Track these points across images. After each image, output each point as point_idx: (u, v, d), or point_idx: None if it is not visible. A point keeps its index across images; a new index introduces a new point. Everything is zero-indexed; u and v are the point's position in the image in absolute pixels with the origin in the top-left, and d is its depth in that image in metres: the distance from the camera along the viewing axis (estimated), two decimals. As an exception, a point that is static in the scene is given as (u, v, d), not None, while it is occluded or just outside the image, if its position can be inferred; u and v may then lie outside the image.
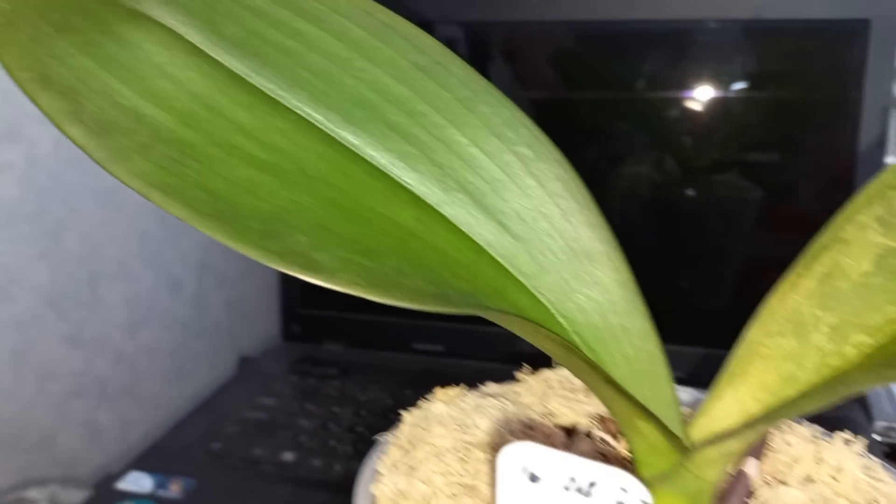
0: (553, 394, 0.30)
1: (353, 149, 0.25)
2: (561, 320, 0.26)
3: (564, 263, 0.26)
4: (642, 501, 0.15)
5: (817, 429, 0.29)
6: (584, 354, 0.23)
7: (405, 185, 0.25)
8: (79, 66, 0.22)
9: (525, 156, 0.26)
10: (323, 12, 0.25)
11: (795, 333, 0.25)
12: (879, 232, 0.24)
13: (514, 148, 0.26)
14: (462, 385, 0.31)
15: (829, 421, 0.63)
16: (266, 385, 0.67)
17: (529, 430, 0.27)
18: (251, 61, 0.24)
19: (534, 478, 0.17)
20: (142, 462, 0.55)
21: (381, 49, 0.25)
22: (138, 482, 0.53)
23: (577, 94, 0.68)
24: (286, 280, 0.76)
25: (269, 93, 0.24)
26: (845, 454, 0.26)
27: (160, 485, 0.52)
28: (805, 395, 0.24)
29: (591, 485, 0.16)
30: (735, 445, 0.23)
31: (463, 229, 0.25)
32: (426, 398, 0.30)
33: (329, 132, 0.24)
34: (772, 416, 0.24)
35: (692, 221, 0.67)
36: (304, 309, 0.75)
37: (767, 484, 0.26)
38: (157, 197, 0.21)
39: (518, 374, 0.32)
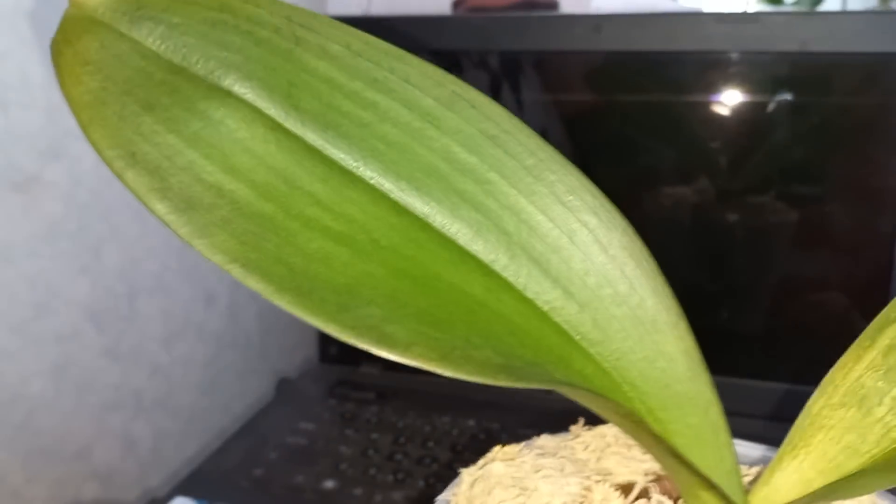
0: (609, 451, 0.30)
1: (424, 217, 0.25)
2: (626, 388, 0.26)
3: (629, 331, 0.26)
4: None
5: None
6: (650, 426, 0.23)
7: (474, 253, 0.25)
8: (164, 143, 0.22)
9: (590, 223, 0.26)
10: (395, 82, 0.26)
11: (858, 405, 0.25)
12: None
13: (580, 216, 0.26)
14: (516, 444, 0.31)
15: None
16: (305, 409, 0.68)
17: (587, 493, 0.28)
18: (326, 133, 0.25)
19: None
20: (186, 487, 0.56)
21: (451, 118, 0.26)
22: (183, 508, 0.54)
23: (617, 122, 0.68)
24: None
25: (342, 163, 0.25)
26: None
27: (205, 511, 0.53)
28: (867, 470, 0.24)
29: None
30: (797, 518, 0.24)
31: (529, 296, 0.26)
32: (484, 457, 0.31)
33: (400, 201, 0.25)
34: (833, 489, 0.24)
35: (730, 245, 0.67)
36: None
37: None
38: (238, 272, 0.21)
39: (573, 428, 0.33)
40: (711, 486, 0.24)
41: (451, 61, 0.68)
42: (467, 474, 0.29)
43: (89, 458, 0.57)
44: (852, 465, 0.25)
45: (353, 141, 0.25)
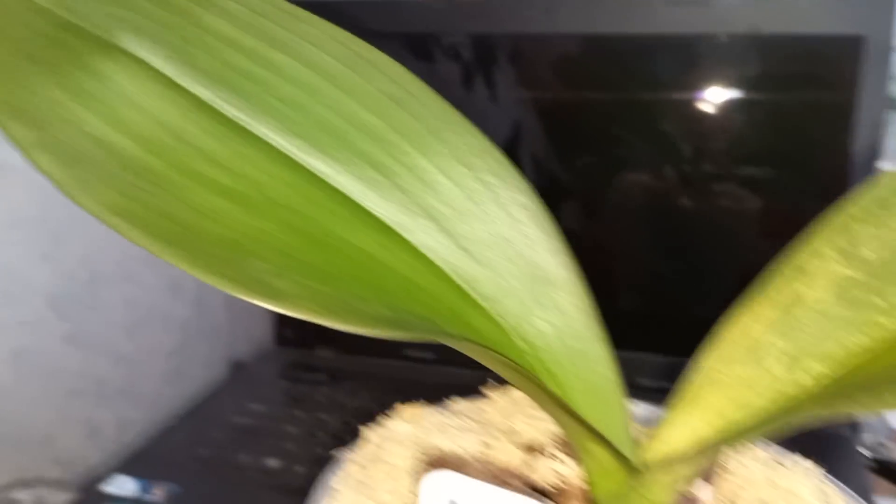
0: (518, 412, 0.31)
1: (320, 175, 0.25)
2: (520, 344, 0.26)
3: (526, 289, 0.26)
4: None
5: (778, 451, 0.29)
6: (538, 378, 0.24)
7: (370, 211, 0.26)
8: (49, 97, 0.22)
9: (491, 183, 0.26)
10: (296, 42, 0.26)
11: (752, 361, 0.25)
12: (841, 263, 0.25)
13: (480, 175, 0.26)
14: (422, 401, 0.31)
15: (816, 437, 0.63)
16: (256, 390, 0.68)
17: (488, 450, 0.28)
18: (221, 90, 0.25)
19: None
20: (128, 466, 0.56)
21: (353, 79, 0.26)
22: (123, 486, 0.53)
23: (579, 103, 0.69)
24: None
25: (238, 121, 0.25)
26: (799, 479, 0.27)
27: (145, 489, 0.53)
28: (757, 423, 0.24)
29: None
30: (685, 470, 0.24)
31: (426, 254, 0.26)
32: (388, 414, 0.31)
33: (297, 159, 0.25)
34: (723, 441, 0.24)
35: (690, 229, 0.68)
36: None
37: (723, 506, 0.27)
38: (121, 226, 0.21)
39: (484, 390, 0.33)
40: (601, 439, 0.24)
41: (401, 43, 0.68)
42: (368, 432, 0.29)
43: (52, 444, 0.56)
44: (743, 418, 0.25)
45: (250, 98, 0.25)
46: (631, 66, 0.66)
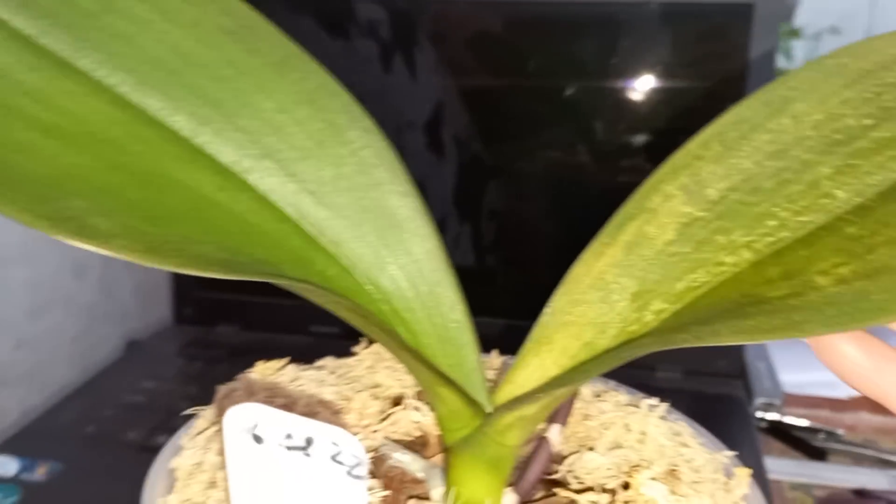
0: (381, 366, 0.30)
1: (150, 112, 0.24)
2: (370, 289, 0.25)
3: (375, 233, 0.25)
4: (354, 455, 0.15)
5: (637, 395, 0.29)
6: (385, 324, 0.23)
7: (206, 151, 0.24)
8: None
9: (337, 124, 0.25)
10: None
11: (600, 301, 0.25)
12: (684, 201, 0.25)
13: (326, 116, 0.25)
14: (286, 359, 0.31)
15: (710, 399, 0.64)
16: (151, 368, 0.65)
17: (346, 402, 0.27)
18: (41, 21, 0.23)
19: (257, 438, 0.16)
20: (10, 445, 0.53)
21: (185, 10, 0.25)
22: (4, 466, 0.51)
23: (499, 85, 0.68)
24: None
25: (59, 53, 0.23)
26: (651, 420, 0.27)
27: (26, 468, 0.51)
28: (600, 361, 0.24)
29: (309, 441, 0.16)
30: (531, 410, 0.23)
31: (269, 197, 0.25)
32: (246, 371, 0.30)
33: (123, 95, 0.24)
34: (569, 380, 0.24)
35: (601, 202, 0.68)
36: (198, 291, 0.74)
37: (579, 450, 0.27)
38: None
39: (354, 349, 0.32)
40: (449, 382, 0.24)
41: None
42: (222, 387, 0.28)
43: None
44: (589, 358, 0.25)
45: (74, 31, 0.24)
46: (543, 47, 0.65)
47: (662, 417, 0.27)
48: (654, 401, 0.28)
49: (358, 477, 0.15)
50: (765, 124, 0.24)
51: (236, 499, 0.17)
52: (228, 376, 0.65)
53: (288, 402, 0.26)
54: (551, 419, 0.26)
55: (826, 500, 0.51)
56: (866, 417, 0.64)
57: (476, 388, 0.25)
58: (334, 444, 0.15)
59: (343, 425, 0.18)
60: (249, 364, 0.67)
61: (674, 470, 0.25)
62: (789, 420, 0.62)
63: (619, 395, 0.29)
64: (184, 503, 0.25)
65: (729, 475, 0.26)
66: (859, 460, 0.57)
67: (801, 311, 0.20)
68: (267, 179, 0.25)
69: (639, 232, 0.25)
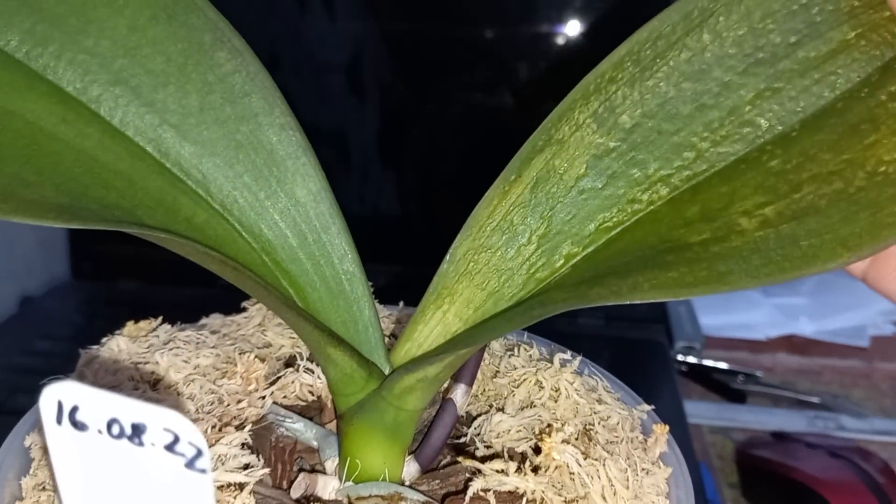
0: (273, 324, 0.27)
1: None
2: (248, 238, 0.22)
3: (250, 172, 0.22)
4: (192, 444, 0.13)
5: (554, 347, 0.27)
6: (254, 274, 0.20)
7: (45, 77, 0.21)
8: None
9: (201, 44, 0.22)
10: None
11: (505, 245, 0.23)
12: (595, 130, 0.22)
13: (187, 34, 0.22)
14: (153, 319, 0.27)
15: (632, 343, 0.64)
16: (46, 328, 0.61)
17: (228, 365, 0.24)
18: None
19: (78, 425, 0.14)
20: None
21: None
22: None
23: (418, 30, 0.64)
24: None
25: None
26: (564, 375, 0.24)
27: None
28: (508, 314, 0.22)
29: (138, 429, 0.13)
30: (433, 371, 0.21)
31: (123, 131, 0.21)
32: (114, 333, 0.27)
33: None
34: (466, 339, 0.22)
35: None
36: (97, 244, 0.69)
37: (489, 410, 0.24)
38: None
39: (244, 304, 0.29)
40: (340, 342, 0.21)
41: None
42: (85, 353, 0.25)
43: None
44: (495, 309, 0.22)
45: None
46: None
47: (576, 372, 0.25)
48: (567, 355, 0.26)
49: (200, 470, 0.13)
50: (683, 41, 0.21)
51: (67, 496, 0.14)
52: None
53: (156, 371, 0.23)
54: (457, 377, 0.24)
55: (746, 444, 0.50)
56: (784, 359, 0.64)
57: (371, 348, 0.22)
58: (167, 430, 0.13)
59: (181, 407, 0.15)
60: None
61: (588, 430, 0.23)
62: (709, 363, 0.61)
63: (533, 350, 0.27)
64: (37, 488, 0.22)
65: (647, 432, 0.24)
66: (778, 402, 0.57)
67: (724, 260, 0.17)
68: (120, 110, 0.21)
69: (547, 166, 0.22)
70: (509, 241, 0.22)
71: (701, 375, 0.61)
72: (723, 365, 0.61)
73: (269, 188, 0.22)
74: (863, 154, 0.18)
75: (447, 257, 0.23)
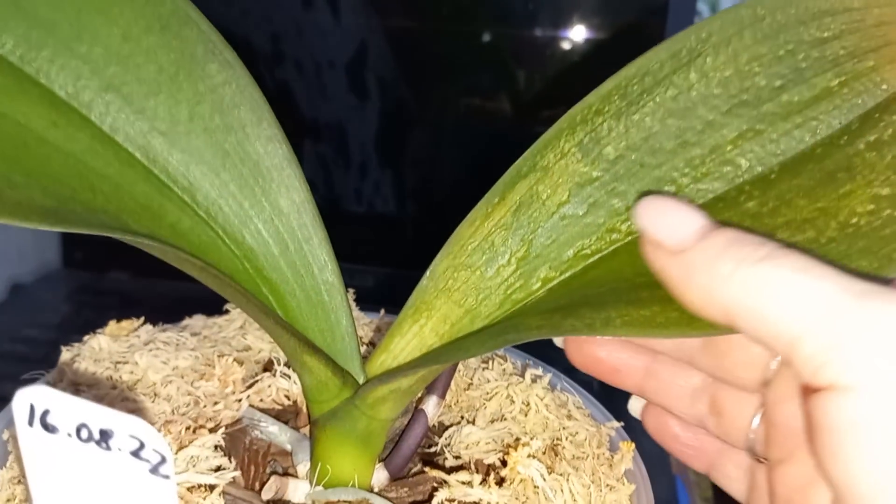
0: (253, 327, 0.28)
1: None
2: (230, 245, 0.23)
3: (236, 181, 0.23)
4: (156, 450, 0.13)
5: (529, 360, 0.28)
6: (235, 282, 0.20)
7: (38, 81, 0.21)
8: None
9: (193, 55, 0.22)
10: None
11: (484, 265, 0.23)
12: (579, 159, 0.23)
13: (180, 45, 0.22)
14: (135, 319, 0.28)
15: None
16: (35, 315, 0.61)
17: (207, 367, 0.25)
18: None
19: (49, 427, 0.14)
20: None
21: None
22: None
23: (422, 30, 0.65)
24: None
25: None
26: (535, 390, 0.25)
27: None
28: (481, 334, 0.22)
29: (106, 434, 0.13)
30: (406, 382, 0.21)
31: (113, 136, 0.22)
32: (97, 332, 0.27)
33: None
34: (440, 356, 0.22)
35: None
36: (89, 234, 0.69)
37: (460, 421, 0.25)
38: None
39: (228, 307, 0.29)
40: (315, 350, 0.21)
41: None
42: (67, 351, 0.25)
43: None
44: (471, 326, 0.23)
45: None
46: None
47: (549, 387, 0.25)
48: (539, 370, 0.26)
49: (163, 476, 0.13)
50: (670, 78, 0.22)
51: (37, 495, 0.14)
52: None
53: (134, 371, 0.24)
54: (430, 388, 0.24)
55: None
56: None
57: (347, 357, 0.23)
58: (133, 437, 0.13)
59: (144, 413, 0.16)
60: (143, 314, 0.64)
61: (556, 445, 0.23)
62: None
63: (506, 364, 0.27)
64: (12, 481, 0.22)
65: (614, 449, 0.24)
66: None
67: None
68: (110, 116, 0.22)
69: (530, 191, 0.23)
70: (489, 261, 0.23)
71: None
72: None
73: (254, 197, 0.23)
74: (836, 203, 0.19)
75: (427, 273, 0.23)
